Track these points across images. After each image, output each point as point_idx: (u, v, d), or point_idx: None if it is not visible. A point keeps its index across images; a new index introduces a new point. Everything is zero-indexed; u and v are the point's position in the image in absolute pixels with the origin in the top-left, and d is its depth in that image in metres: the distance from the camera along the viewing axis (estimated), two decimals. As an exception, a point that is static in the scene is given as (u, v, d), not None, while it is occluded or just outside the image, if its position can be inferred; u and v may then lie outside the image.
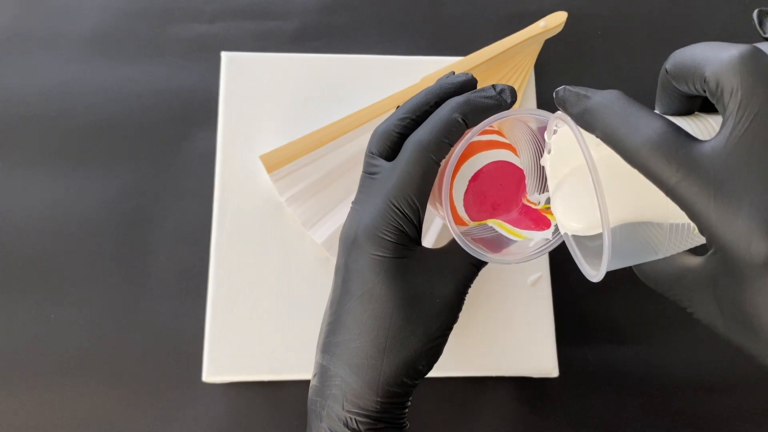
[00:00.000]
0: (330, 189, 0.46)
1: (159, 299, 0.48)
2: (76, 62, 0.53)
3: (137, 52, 0.54)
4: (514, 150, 0.35)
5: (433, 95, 0.33)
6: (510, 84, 0.50)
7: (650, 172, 0.23)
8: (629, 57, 0.56)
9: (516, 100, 0.32)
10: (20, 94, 0.52)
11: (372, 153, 0.33)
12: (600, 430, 0.48)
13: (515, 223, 0.33)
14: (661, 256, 0.25)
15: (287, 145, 0.46)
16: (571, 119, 0.26)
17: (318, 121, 0.48)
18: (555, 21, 0.50)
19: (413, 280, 0.32)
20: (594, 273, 0.26)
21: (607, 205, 0.23)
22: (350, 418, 0.31)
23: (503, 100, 0.32)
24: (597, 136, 0.25)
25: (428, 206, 0.33)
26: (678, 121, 0.26)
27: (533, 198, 0.34)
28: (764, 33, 0.28)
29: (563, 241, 0.30)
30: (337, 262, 0.34)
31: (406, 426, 0.34)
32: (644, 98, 0.62)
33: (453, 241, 0.32)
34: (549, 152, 0.30)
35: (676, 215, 0.23)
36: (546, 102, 0.53)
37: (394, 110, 0.47)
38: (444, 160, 0.31)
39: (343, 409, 0.32)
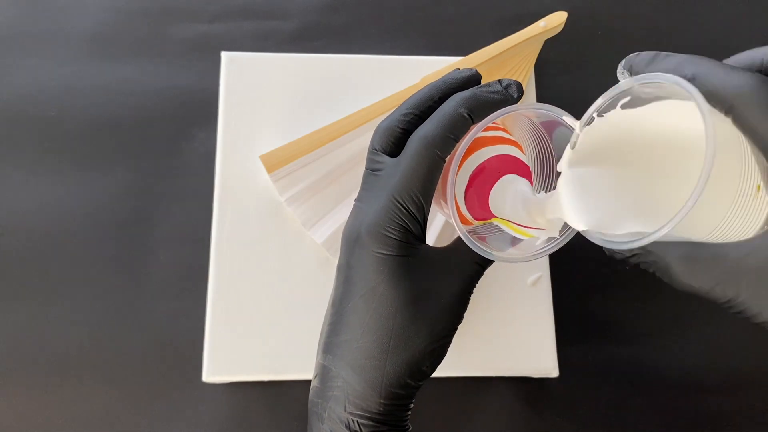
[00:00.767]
0: (330, 189, 0.46)
1: (159, 299, 0.48)
2: (76, 62, 0.53)
3: (137, 52, 0.54)
4: (519, 146, 0.35)
5: (438, 90, 0.33)
6: (510, 84, 0.50)
7: (745, 118, 0.23)
8: (629, 57, 0.56)
9: (522, 95, 0.32)
10: (20, 94, 0.52)
11: (375, 149, 0.33)
12: (600, 430, 0.48)
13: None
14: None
15: (287, 145, 0.46)
16: (698, 92, 0.23)
17: (318, 121, 0.48)
18: (555, 21, 0.50)
19: (418, 279, 0.31)
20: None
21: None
22: (352, 420, 0.31)
23: (509, 95, 0.31)
24: (688, 79, 0.24)
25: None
26: None
27: (538, 195, 0.34)
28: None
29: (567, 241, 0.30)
30: (339, 260, 0.33)
31: (408, 428, 0.33)
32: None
33: (458, 240, 0.32)
34: (573, 147, 0.28)
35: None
36: (546, 102, 0.53)
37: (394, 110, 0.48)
38: (449, 156, 0.31)
39: (345, 410, 0.31)
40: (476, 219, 0.34)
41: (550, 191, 0.33)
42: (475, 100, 0.31)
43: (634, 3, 0.58)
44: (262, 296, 0.45)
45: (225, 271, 0.45)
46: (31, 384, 0.46)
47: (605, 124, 0.28)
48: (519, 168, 0.34)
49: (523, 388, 0.48)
